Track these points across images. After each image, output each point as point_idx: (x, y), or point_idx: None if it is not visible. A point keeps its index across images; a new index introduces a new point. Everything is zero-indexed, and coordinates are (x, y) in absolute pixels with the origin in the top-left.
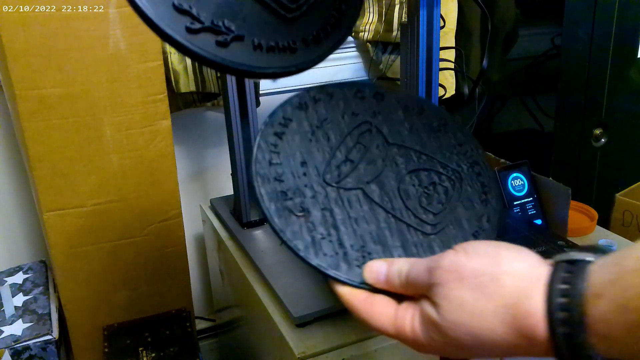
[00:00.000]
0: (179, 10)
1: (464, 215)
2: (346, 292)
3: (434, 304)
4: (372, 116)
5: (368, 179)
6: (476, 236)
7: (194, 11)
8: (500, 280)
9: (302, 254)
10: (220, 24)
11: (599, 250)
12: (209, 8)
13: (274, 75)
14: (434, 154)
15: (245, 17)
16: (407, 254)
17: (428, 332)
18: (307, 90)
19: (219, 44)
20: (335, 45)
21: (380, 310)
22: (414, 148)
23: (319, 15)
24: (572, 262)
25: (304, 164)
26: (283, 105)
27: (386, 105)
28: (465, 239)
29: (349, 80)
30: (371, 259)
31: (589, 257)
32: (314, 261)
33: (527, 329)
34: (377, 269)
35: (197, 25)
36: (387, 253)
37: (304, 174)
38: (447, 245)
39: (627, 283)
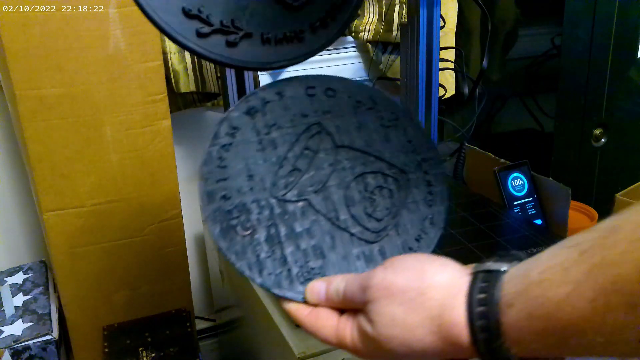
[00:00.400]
0: (189, 15)
1: (408, 219)
2: (292, 308)
3: (369, 320)
4: (322, 116)
5: (314, 188)
6: (418, 240)
7: (203, 14)
8: (425, 294)
9: (247, 274)
10: (229, 23)
11: (515, 258)
12: (217, 7)
13: (284, 67)
14: (381, 154)
15: (253, 11)
16: (350, 266)
17: (365, 344)
18: (257, 91)
19: (229, 44)
20: (343, 27)
21: (323, 323)
22: (361, 149)
23: None
24: (489, 272)
25: (250, 177)
26: (230, 113)
27: (337, 101)
28: (407, 245)
29: (303, 75)
30: (314, 274)
31: (504, 266)
32: (258, 280)
33: (452, 337)
34: (317, 289)
35: (207, 29)
36: (329, 267)
37: (251, 189)
38: (386, 254)
39: (532, 294)
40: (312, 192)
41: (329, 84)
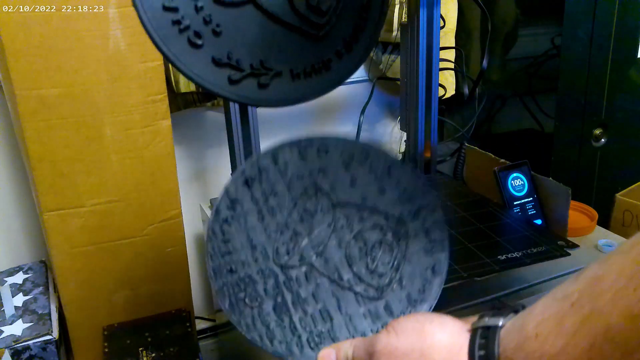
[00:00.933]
0: (219, 64)
1: (410, 271)
2: None
3: None
4: (316, 176)
5: (315, 250)
6: (422, 291)
7: (232, 60)
8: (427, 354)
9: (259, 344)
10: (259, 65)
11: (511, 310)
12: (245, 50)
13: (316, 98)
14: (377, 207)
15: (280, 49)
16: (358, 326)
17: None
18: (253, 160)
19: (261, 86)
20: (367, 47)
21: None
22: (358, 204)
23: (347, 21)
24: (487, 328)
25: (253, 248)
26: (228, 186)
27: (330, 159)
28: (412, 298)
29: (295, 138)
30: (323, 338)
31: (500, 321)
32: (270, 349)
33: None
34: (328, 356)
35: (238, 75)
36: (337, 329)
37: (255, 260)
38: (392, 310)
39: (530, 348)
40: (313, 255)
41: (321, 144)
